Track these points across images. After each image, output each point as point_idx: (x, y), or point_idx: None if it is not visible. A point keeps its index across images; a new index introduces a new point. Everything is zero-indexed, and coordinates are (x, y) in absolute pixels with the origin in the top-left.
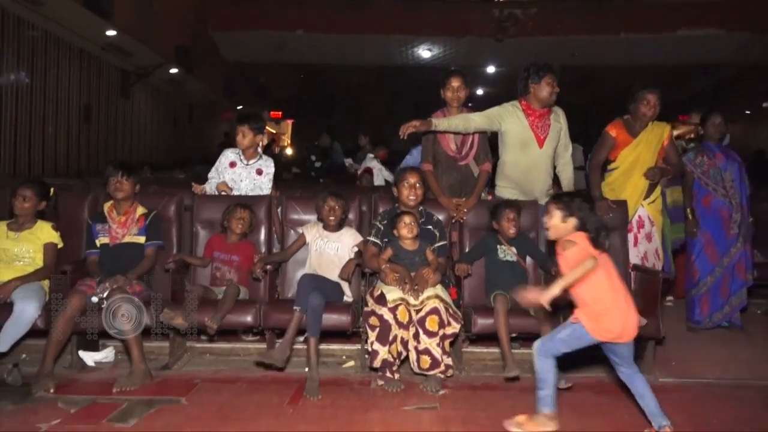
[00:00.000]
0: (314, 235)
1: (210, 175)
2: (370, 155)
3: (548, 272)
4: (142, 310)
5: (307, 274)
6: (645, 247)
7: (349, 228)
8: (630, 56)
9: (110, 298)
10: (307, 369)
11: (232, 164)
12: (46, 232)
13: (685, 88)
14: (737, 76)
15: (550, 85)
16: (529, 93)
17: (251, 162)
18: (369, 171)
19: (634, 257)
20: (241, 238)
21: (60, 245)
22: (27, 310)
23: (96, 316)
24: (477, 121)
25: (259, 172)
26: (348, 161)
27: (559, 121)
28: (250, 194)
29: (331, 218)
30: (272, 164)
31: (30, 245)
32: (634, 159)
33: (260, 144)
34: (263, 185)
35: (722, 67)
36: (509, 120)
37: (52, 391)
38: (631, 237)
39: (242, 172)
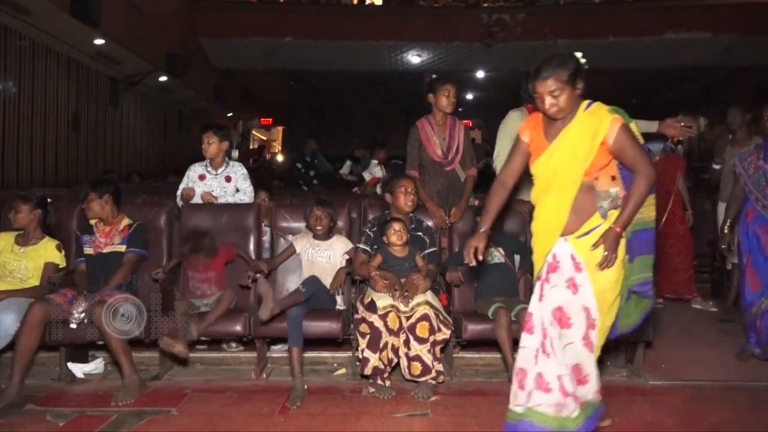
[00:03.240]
0: (304, 245)
1: (178, 191)
2: (374, 161)
3: (530, 271)
4: (142, 309)
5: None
6: (560, 300)
7: (340, 236)
8: (618, 60)
9: (90, 312)
10: (292, 378)
11: (201, 177)
12: (49, 251)
13: (674, 91)
14: (725, 79)
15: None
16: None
17: (219, 171)
18: (377, 181)
19: (537, 316)
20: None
21: (62, 265)
22: (4, 321)
23: (65, 328)
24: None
25: (228, 179)
26: (343, 171)
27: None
28: (223, 201)
29: (318, 228)
30: (241, 167)
31: (31, 262)
32: (551, 173)
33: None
34: (241, 187)
35: (710, 69)
36: (519, 125)
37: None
38: (537, 286)
39: (213, 183)
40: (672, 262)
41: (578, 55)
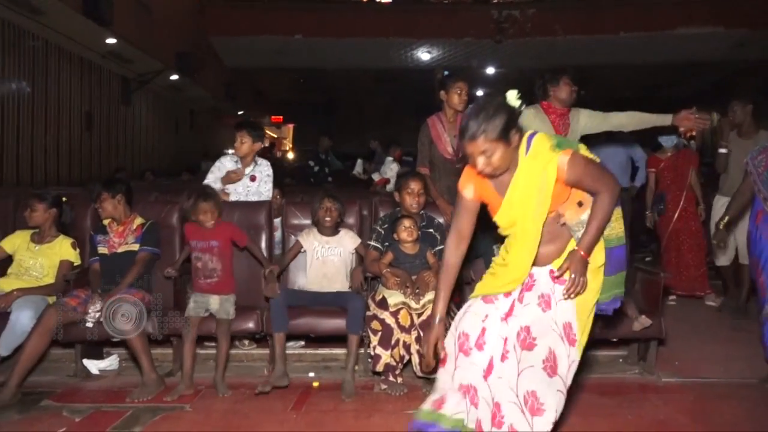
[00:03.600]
0: (311, 242)
1: (207, 180)
2: (389, 158)
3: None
4: (143, 310)
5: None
6: (528, 320)
7: (347, 230)
8: (628, 55)
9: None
10: (311, 374)
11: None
12: (64, 249)
13: (684, 86)
14: (736, 73)
15: (569, 85)
16: (550, 96)
17: (247, 170)
18: (386, 182)
19: (494, 334)
20: (216, 224)
21: (77, 263)
22: (21, 319)
23: (78, 328)
24: None
25: (253, 178)
26: (357, 170)
27: (578, 120)
28: (243, 200)
29: (327, 219)
30: (268, 167)
31: (46, 260)
32: (513, 222)
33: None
34: (262, 189)
35: (721, 64)
36: (535, 123)
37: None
38: (506, 304)
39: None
40: (684, 259)
41: (511, 95)
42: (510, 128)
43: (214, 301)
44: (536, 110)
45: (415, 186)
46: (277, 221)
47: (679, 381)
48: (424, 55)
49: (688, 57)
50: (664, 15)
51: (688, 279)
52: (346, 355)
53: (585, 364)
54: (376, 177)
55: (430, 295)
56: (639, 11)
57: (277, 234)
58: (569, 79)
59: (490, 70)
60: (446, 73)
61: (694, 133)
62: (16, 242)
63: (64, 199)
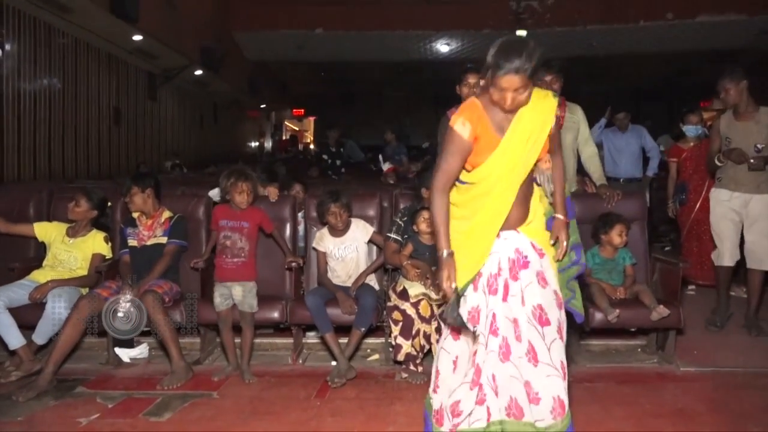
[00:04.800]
0: (327, 246)
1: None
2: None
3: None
4: (142, 310)
5: (311, 295)
6: (539, 298)
7: (356, 221)
8: (650, 44)
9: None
10: (333, 363)
11: None
12: (97, 243)
13: (706, 75)
14: (760, 61)
15: (546, 83)
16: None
17: None
18: (395, 170)
19: (502, 315)
20: (248, 207)
21: (108, 256)
22: (56, 309)
23: (122, 321)
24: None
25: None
26: (384, 167)
27: (575, 114)
28: None
29: (339, 223)
30: None
31: (80, 253)
32: (508, 169)
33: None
34: None
35: (744, 52)
36: None
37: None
38: (494, 284)
39: None
40: (706, 249)
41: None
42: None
43: (237, 292)
44: None
45: None
46: (299, 215)
47: (697, 370)
48: (443, 46)
49: (710, 45)
50: (685, 2)
51: (710, 268)
52: (346, 344)
53: (604, 353)
54: (386, 167)
55: None
56: None
57: (300, 228)
58: (549, 76)
59: None
60: (469, 65)
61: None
62: (51, 233)
63: (109, 203)
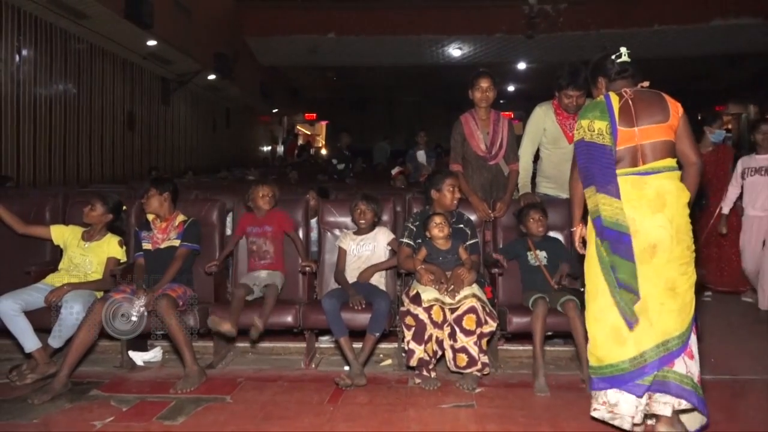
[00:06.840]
0: (348, 243)
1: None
2: (420, 152)
3: (574, 277)
4: (144, 315)
5: (327, 298)
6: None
7: (382, 227)
8: (663, 48)
9: (151, 305)
10: (346, 368)
11: None
12: (112, 247)
13: (720, 79)
14: None
15: (571, 98)
16: (556, 97)
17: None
18: (403, 173)
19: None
20: (270, 211)
21: (123, 260)
22: (71, 312)
23: (122, 322)
24: (527, 155)
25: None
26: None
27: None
28: None
29: (362, 221)
30: None
31: (95, 257)
32: None
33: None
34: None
35: (760, 56)
36: (545, 121)
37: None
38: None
39: None
40: (726, 254)
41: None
42: None
43: (263, 275)
44: (548, 107)
45: (455, 182)
46: (312, 222)
47: (714, 378)
48: (455, 51)
49: (725, 49)
50: (699, 6)
51: (730, 274)
52: (361, 349)
53: None
54: (394, 171)
55: (465, 291)
56: (673, 3)
57: (313, 234)
58: (574, 90)
59: (522, 66)
60: (481, 70)
61: (730, 127)
62: (67, 237)
63: (124, 207)
